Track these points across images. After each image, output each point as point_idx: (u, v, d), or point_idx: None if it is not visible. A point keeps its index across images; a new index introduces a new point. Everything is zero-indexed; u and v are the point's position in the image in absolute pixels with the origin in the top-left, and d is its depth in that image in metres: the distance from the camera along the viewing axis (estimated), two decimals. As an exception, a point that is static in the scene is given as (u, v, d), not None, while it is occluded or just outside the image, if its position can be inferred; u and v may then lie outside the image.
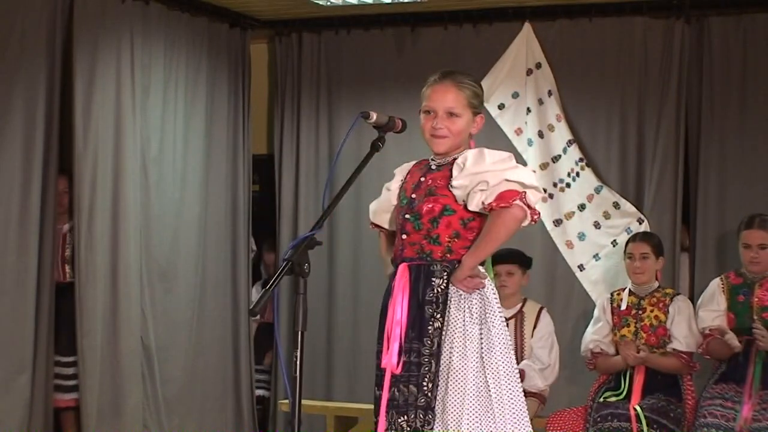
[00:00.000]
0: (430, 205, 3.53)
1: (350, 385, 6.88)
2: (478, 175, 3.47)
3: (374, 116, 3.41)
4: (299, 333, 2.88)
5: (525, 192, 3.46)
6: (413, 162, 3.79)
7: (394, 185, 3.77)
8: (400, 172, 3.80)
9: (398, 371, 3.45)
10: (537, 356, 5.38)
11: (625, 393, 5.26)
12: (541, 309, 5.52)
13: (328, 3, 6.42)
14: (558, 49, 6.52)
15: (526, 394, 5.28)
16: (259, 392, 7.16)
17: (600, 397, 5.32)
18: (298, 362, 2.89)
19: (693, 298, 5.71)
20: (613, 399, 5.26)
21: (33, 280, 5.55)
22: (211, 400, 6.68)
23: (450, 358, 3.47)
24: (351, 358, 6.91)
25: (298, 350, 2.89)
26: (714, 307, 5.24)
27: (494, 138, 6.29)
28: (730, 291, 5.24)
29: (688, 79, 6.32)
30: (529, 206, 3.47)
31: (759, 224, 5.19)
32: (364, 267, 6.81)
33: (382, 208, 3.83)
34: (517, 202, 3.44)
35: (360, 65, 6.96)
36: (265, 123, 7.39)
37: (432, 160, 3.66)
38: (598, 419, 5.11)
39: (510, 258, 5.41)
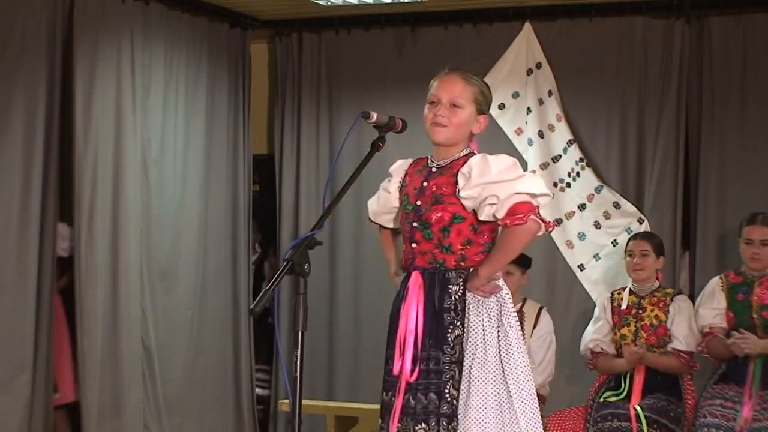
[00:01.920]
0: (439, 214, 3.48)
1: (352, 385, 6.88)
2: (487, 187, 3.43)
3: (374, 116, 3.41)
4: (299, 333, 2.88)
5: (538, 206, 3.45)
6: (409, 161, 3.72)
7: (392, 187, 3.70)
8: (396, 172, 3.72)
9: (412, 379, 3.42)
10: (531, 355, 5.38)
11: (625, 393, 5.26)
12: (540, 309, 5.52)
13: (329, 3, 6.42)
14: (558, 49, 6.52)
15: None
16: (259, 391, 7.17)
17: (600, 397, 5.32)
18: (298, 362, 2.89)
19: (693, 298, 5.71)
20: (613, 399, 5.27)
21: (33, 280, 5.55)
22: (211, 399, 6.69)
23: (471, 365, 3.45)
24: (352, 358, 6.91)
25: (299, 350, 2.89)
26: (714, 305, 5.24)
27: (494, 138, 6.30)
28: (729, 290, 5.24)
29: (688, 79, 6.32)
30: (543, 220, 3.47)
31: (762, 221, 5.19)
32: (365, 266, 6.81)
33: (383, 209, 3.77)
34: (532, 217, 3.43)
35: (360, 65, 6.96)
36: (266, 123, 7.39)
37: (431, 161, 3.61)
38: (598, 419, 5.12)
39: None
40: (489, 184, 3.43)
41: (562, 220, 6.41)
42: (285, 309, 6.52)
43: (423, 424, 3.43)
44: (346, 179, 3.32)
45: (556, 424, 5.28)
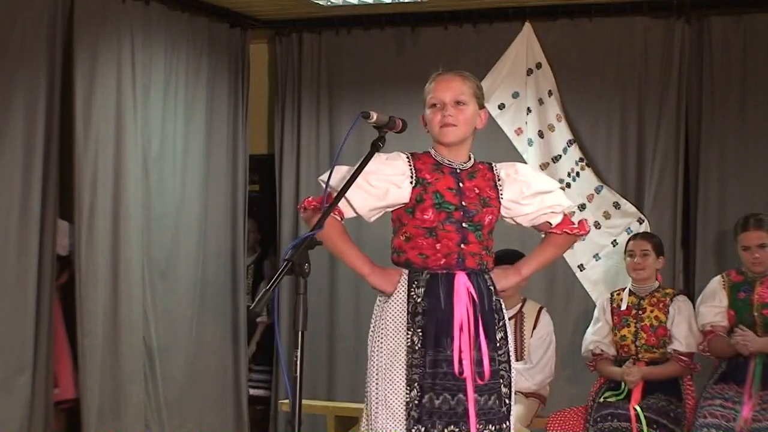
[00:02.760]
0: (490, 217, 3.51)
1: (352, 385, 6.87)
2: (547, 197, 3.59)
3: (374, 116, 3.39)
4: (299, 333, 2.88)
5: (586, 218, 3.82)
6: (401, 155, 3.53)
7: (405, 182, 3.48)
8: (401, 167, 3.50)
9: (484, 381, 3.45)
10: (530, 355, 5.37)
11: (625, 393, 5.26)
12: (540, 309, 5.51)
13: (329, 3, 6.42)
14: (558, 49, 6.52)
15: (526, 394, 5.31)
16: (259, 392, 7.17)
17: (600, 397, 5.32)
18: (298, 362, 2.89)
19: (693, 297, 5.71)
20: (613, 399, 5.26)
21: (33, 280, 5.55)
22: (211, 399, 6.69)
23: (513, 363, 3.58)
24: (352, 358, 6.90)
25: (299, 350, 2.89)
26: (715, 303, 5.23)
27: (494, 138, 6.30)
28: (731, 288, 5.23)
29: (688, 79, 6.33)
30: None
31: (754, 225, 5.17)
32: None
33: (383, 204, 3.52)
34: (587, 227, 3.71)
35: (360, 65, 6.96)
36: (266, 123, 7.39)
37: (446, 160, 3.52)
38: (598, 419, 5.11)
39: (507, 258, 5.38)
40: (546, 193, 3.59)
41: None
42: (285, 309, 6.52)
43: (491, 426, 3.46)
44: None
45: (556, 424, 5.28)
